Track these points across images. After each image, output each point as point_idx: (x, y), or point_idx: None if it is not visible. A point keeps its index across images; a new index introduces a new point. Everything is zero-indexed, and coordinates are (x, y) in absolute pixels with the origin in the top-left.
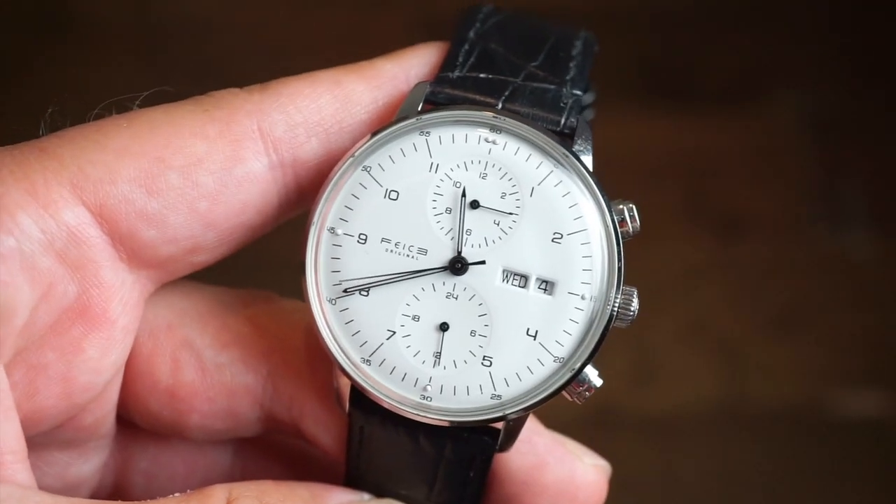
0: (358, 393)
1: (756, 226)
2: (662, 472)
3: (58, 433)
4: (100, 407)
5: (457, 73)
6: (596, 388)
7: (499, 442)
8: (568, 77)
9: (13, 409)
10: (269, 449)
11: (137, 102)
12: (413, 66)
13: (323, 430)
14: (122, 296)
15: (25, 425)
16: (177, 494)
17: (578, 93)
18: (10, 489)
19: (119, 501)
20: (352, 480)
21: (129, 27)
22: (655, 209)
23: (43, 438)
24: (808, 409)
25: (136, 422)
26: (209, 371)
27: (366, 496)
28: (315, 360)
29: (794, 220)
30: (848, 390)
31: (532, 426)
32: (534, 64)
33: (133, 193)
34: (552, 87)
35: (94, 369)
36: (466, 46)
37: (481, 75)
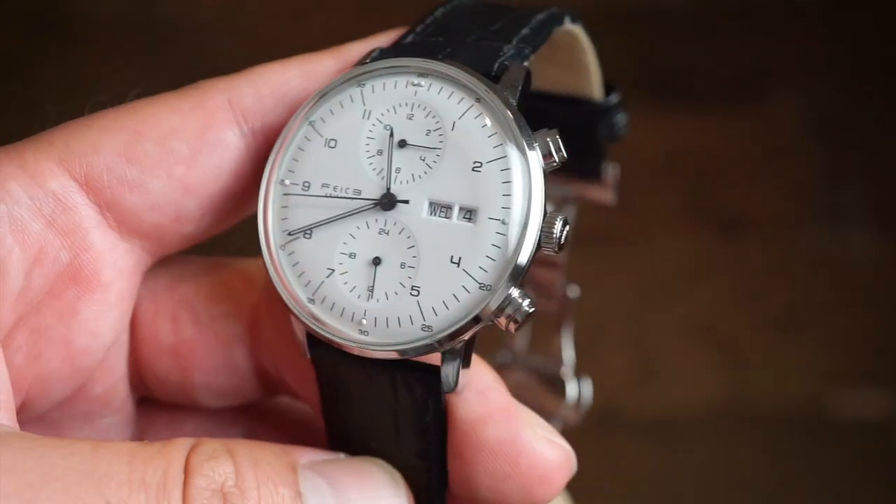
0: (313, 338)
1: (756, 225)
2: (663, 471)
3: (70, 406)
4: (106, 375)
5: (409, 38)
6: (526, 314)
7: (441, 381)
8: (517, 36)
9: (3, 363)
10: (279, 427)
11: (132, 94)
12: (380, 42)
13: (302, 382)
14: (114, 261)
15: (36, 392)
16: (145, 441)
17: (525, 48)
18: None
19: (71, 439)
20: (333, 435)
21: (129, 27)
22: (655, 209)
23: (58, 413)
24: (809, 409)
25: (150, 392)
26: (205, 324)
27: (341, 455)
28: (280, 312)
29: (794, 220)
30: (849, 390)
31: (491, 383)
32: (490, 28)
33: (114, 162)
34: (497, 43)
35: (91, 332)
36: (429, 20)
37: (433, 39)
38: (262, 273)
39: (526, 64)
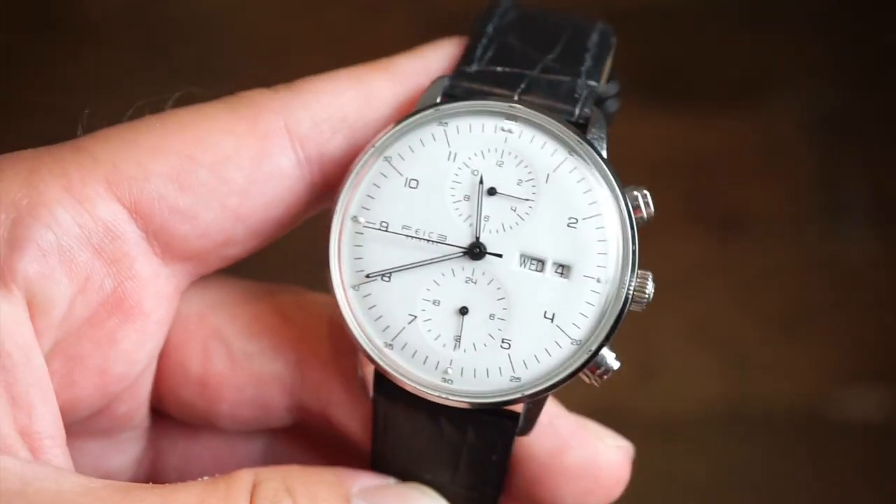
0: (382, 379)
1: (756, 225)
2: (663, 471)
3: (92, 422)
4: (133, 397)
5: (474, 67)
6: (613, 370)
7: (519, 425)
8: (583, 68)
9: (52, 396)
10: (299, 443)
11: (169, 103)
12: (432, 61)
13: (350, 416)
14: (156, 289)
15: (63, 414)
16: (205, 478)
17: (593, 84)
18: (47, 470)
19: (146, 484)
20: (377, 466)
21: (131, 27)
22: (655, 209)
23: (78, 427)
24: (809, 409)
25: (168, 412)
26: (238, 360)
27: (391, 480)
28: (340, 348)
29: (794, 220)
30: (849, 390)
31: (554, 410)
32: (550, 56)
33: (165, 189)
34: (567, 78)
35: (129, 360)
36: (484, 41)
37: (498, 69)
38: (311, 310)
39: (612, 111)
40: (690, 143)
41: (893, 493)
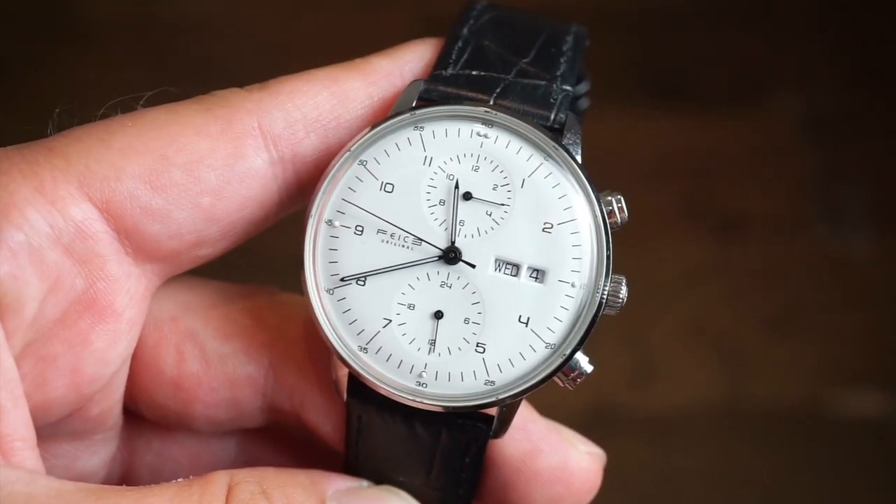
0: (355, 382)
1: (756, 226)
2: (661, 471)
3: (65, 424)
4: (106, 398)
5: (450, 71)
6: (586, 373)
7: (493, 428)
8: (558, 73)
9: (23, 397)
10: (272, 442)
11: (142, 102)
12: (407, 61)
13: (323, 419)
14: (127, 288)
15: (34, 416)
16: (180, 479)
17: (568, 88)
18: (18, 473)
19: (122, 486)
20: (350, 468)
21: (132, 28)
22: (655, 209)
23: (50, 429)
24: (808, 409)
25: (142, 413)
26: (212, 362)
27: (364, 483)
28: (315, 351)
29: (793, 220)
30: (847, 390)
31: (527, 414)
32: (525, 60)
33: (138, 190)
34: (542, 83)
35: (102, 360)
36: (460, 44)
37: (473, 72)
38: (285, 312)
39: (583, 109)
40: (690, 143)
41: (893, 493)
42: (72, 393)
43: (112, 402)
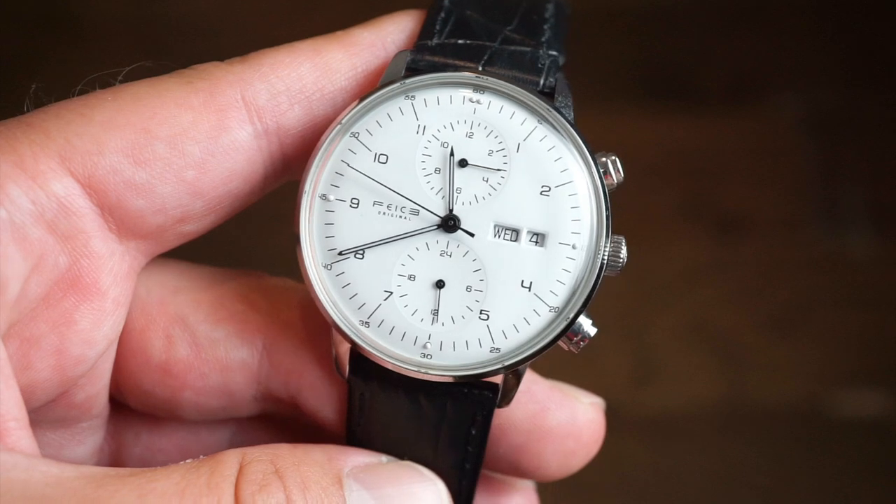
0: (358, 359)
1: (756, 226)
2: (662, 471)
3: (50, 410)
4: (91, 383)
5: (435, 41)
6: (590, 337)
7: (499, 396)
8: (543, 39)
9: (13, 377)
10: (266, 431)
11: (120, 78)
12: (389, 32)
13: (322, 401)
14: (111, 266)
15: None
16: (188, 461)
17: (554, 53)
18: (16, 458)
19: (126, 469)
20: (359, 445)
21: (132, 28)
22: (655, 209)
23: (36, 416)
24: (808, 409)
25: (129, 403)
26: (203, 346)
27: (383, 458)
28: (311, 332)
29: (793, 220)
30: (847, 390)
31: (529, 376)
32: (509, 28)
33: (121, 164)
34: (528, 49)
35: (86, 341)
36: (443, 14)
37: (459, 41)
38: (276, 295)
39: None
40: (690, 143)
41: (893, 493)
42: (56, 375)
43: (97, 389)
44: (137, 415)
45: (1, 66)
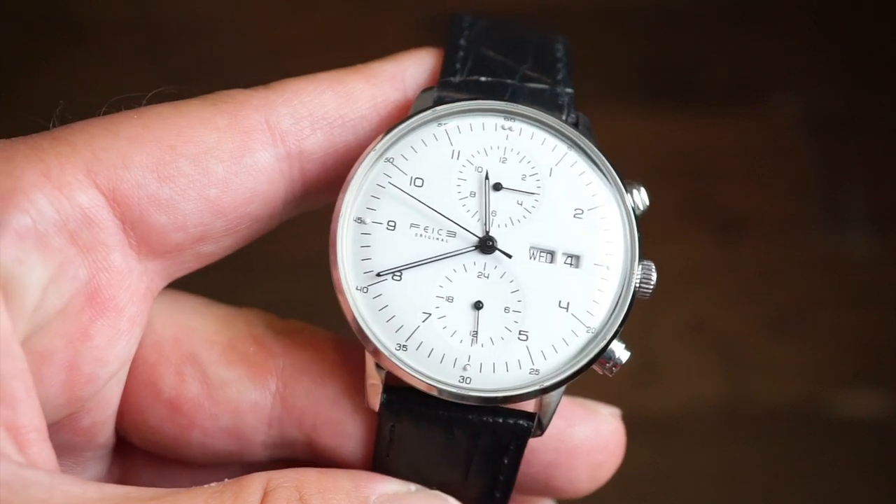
0: (391, 391)
1: (756, 226)
2: (662, 471)
3: (54, 434)
4: (100, 408)
5: (458, 78)
6: (622, 363)
7: (534, 423)
8: (559, 77)
9: (33, 387)
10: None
11: (144, 102)
12: (409, 66)
13: (340, 435)
14: (129, 284)
15: None
16: (213, 484)
17: (570, 91)
18: (38, 475)
19: (150, 489)
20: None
21: (132, 28)
22: (655, 209)
23: None
24: (808, 409)
25: (134, 440)
26: (214, 386)
27: (412, 486)
28: (327, 370)
29: (793, 220)
30: (847, 390)
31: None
32: (526, 66)
33: (145, 179)
34: (546, 86)
35: (99, 359)
36: (461, 53)
37: (482, 78)
38: (291, 339)
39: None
40: (691, 143)
41: (893, 493)
42: (66, 393)
43: (105, 416)
44: (141, 454)
45: (1, 66)
